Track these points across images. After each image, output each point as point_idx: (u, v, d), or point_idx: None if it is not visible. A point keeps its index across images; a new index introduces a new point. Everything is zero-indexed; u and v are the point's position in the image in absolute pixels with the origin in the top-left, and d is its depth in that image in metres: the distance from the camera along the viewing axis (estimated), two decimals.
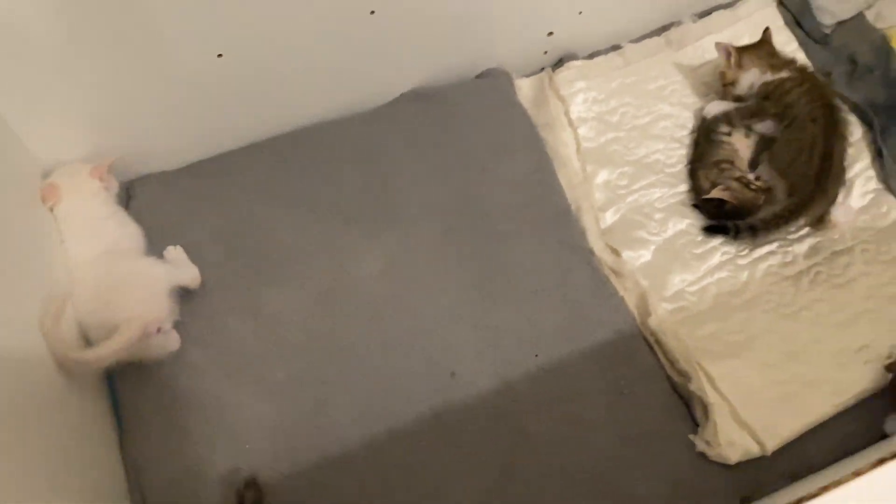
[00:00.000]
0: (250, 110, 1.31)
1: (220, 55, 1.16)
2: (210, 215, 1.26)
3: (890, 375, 1.19)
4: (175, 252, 1.18)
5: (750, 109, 1.41)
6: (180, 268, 1.17)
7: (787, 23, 1.59)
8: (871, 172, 1.44)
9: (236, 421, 1.10)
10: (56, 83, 1.09)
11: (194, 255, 1.19)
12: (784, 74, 1.38)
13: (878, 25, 1.57)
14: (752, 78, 1.41)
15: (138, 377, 1.11)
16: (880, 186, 1.43)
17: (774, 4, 1.61)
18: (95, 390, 1.10)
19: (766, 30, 1.47)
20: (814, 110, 1.32)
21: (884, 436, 1.16)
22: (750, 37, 1.57)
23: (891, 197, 1.42)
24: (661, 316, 1.24)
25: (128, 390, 1.11)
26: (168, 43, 1.12)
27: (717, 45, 1.46)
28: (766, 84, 1.39)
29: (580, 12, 1.44)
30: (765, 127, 1.37)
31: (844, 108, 1.39)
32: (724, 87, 1.46)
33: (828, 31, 1.58)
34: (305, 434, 1.11)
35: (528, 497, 1.06)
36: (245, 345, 1.15)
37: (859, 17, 1.59)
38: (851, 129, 1.44)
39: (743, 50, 1.44)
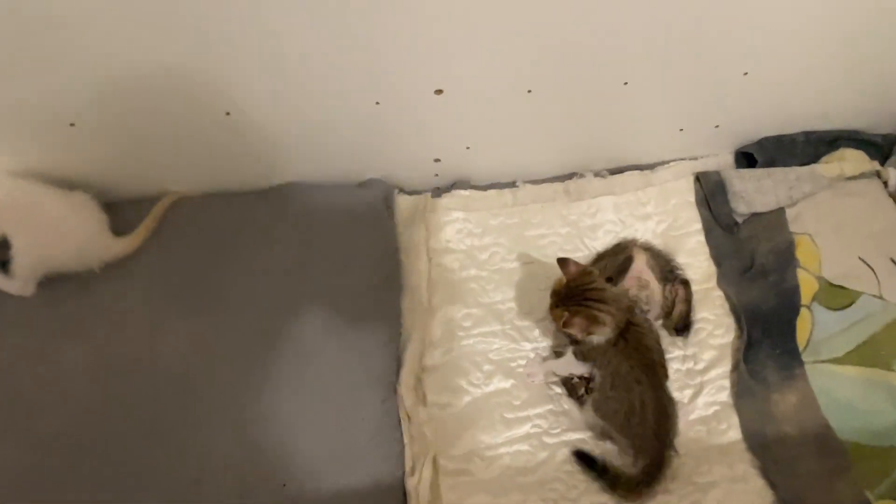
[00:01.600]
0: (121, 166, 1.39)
1: (71, 124, 1.24)
2: None
3: None
4: None
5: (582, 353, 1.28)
6: None
7: (698, 200, 1.52)
8: (726, 383, 1.35)
9: None
10: None
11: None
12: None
13: (793, 228, 1.46)
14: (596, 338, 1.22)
15: None
16: (728, 401, 1.34)
17: (692, 178, 1.54)
18: None
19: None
20: (635, 370, 1.21)
21: None
22: (655, 205, 1.52)
23: (734, 416, 1.32)
24: (423, 479, 1.21)
25: None
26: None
27: (570, 322, 1.21)
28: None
29: (467, 147, 1.44)
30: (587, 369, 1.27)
31: (662, 353, 1.27)
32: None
33: (739, 219, 1.49)
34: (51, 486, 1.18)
35: None
36: (27, 395, 1.23)
37: (778, 213, 1.49)
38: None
39: (594, 314, 1.20)
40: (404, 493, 1.22)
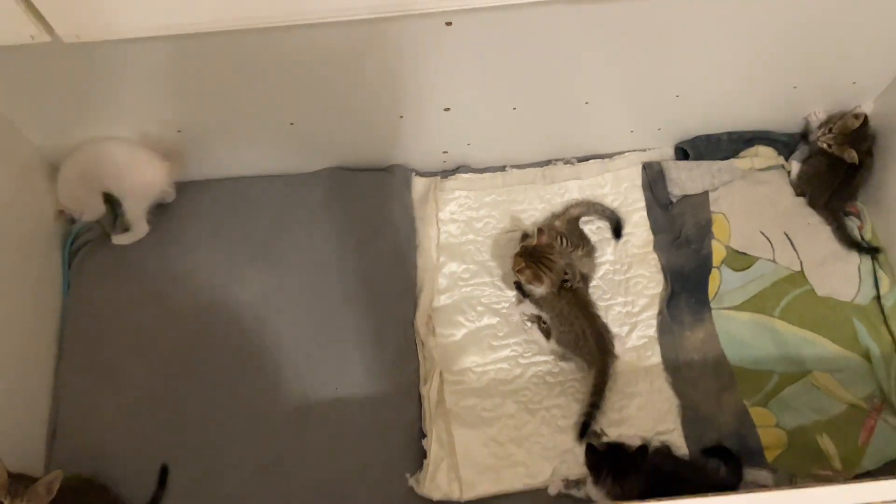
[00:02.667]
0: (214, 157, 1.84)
1: (179, 131, 1.69)
2: (170, 219, 1.84)
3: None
4: None
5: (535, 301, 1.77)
6: None
7: (643, 184, 1.96)
8: (653, 322, 1.84)
9: (128, 374, 1.68)
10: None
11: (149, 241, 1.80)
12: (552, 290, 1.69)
13: (713, 208, 1.92)
14: (539, 290, 1.70)
15: (84, 324, 1.71)
16: (654, 335, 1.83)
17: (640, 167, 1.98)
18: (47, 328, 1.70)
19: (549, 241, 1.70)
20: (573, 309, 1.69)
21: None
22: (610, 188, 1.97)
23: (657, 347, 1.82)
24: (433, 386, 1.72)
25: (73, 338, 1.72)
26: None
27: (522, 270, 1.67)
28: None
29: (468, 143, 1.88)
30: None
31: (594, 303, 1.76)
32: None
33: (673, 199, 1.95)
34: (170, 393, 1.69)
35: (287, 478, 1.60)
36: (147, 326, 1.73)
37: (703, 195, 1.94)
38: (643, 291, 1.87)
39: (540, 273, 1.66)
40: (419, 397, 1.73)
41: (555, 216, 1.91)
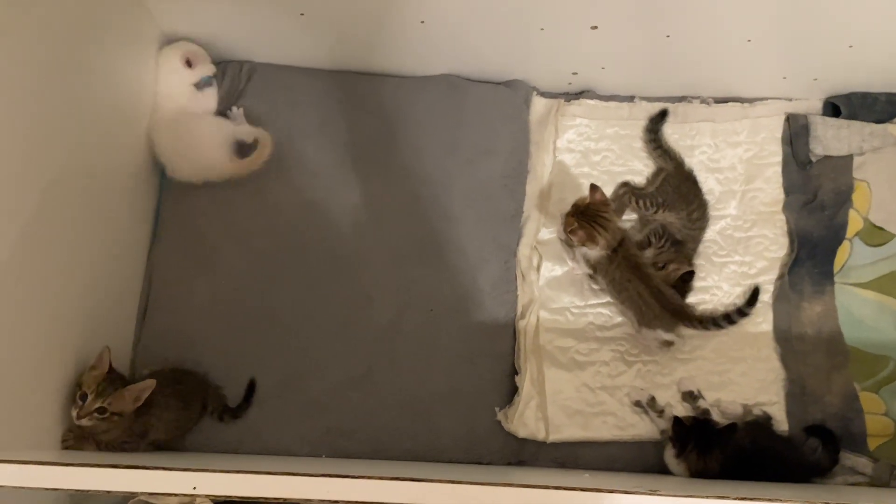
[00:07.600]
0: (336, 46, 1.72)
1: (301, 14, 1.55)
2: (279, 107, 1.74)
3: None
4: (237, 112, 1.71)
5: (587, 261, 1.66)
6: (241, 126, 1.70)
7: (783, 137, 1.79)
8: (770, 287, 1.71)
9: (223, 263, 1.64)
10: None
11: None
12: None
13: (856, 175, 1.75)
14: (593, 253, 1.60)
15: (180, 208, 1.66)
16: (769, 301, 1.71)
17: (784, 117, 1.80)
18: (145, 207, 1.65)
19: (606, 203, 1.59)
20: (625, 273, 1.57)
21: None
22: (746, 136, 1.80)
23: (770, 313, 1.70)
24: (530, 322, 1.65)
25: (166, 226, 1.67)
26: None
27: (575, 231, 1.56)
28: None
29: (602, 67, 1.71)
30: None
31: (645, 261, 1.62)
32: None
33: (813, 158, 1.78)
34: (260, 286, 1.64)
35: (373, 392, 1.57)
36: (245, 215, 1.66)
37: (847, 159, 1.76)
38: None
39: (594, 233, 1.56)
40: (514, 330, 1.66)
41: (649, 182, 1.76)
